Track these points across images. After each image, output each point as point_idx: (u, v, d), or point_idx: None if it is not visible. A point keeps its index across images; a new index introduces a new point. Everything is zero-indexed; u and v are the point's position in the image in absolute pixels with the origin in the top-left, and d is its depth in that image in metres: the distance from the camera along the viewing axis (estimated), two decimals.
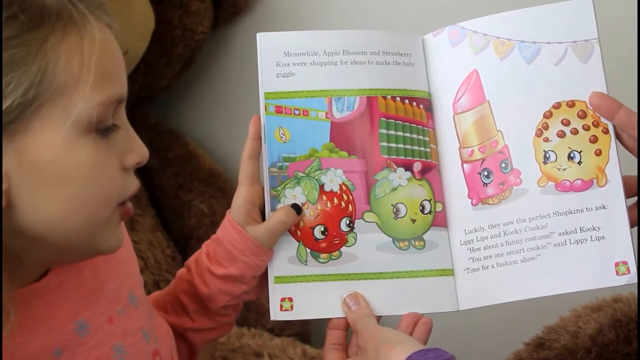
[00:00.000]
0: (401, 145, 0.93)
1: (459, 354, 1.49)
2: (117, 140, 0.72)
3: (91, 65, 0.68)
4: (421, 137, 0.93)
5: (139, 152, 0.74)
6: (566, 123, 0.89)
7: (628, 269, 0.85)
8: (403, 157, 0.92)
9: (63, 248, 0.72)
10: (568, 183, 0.88)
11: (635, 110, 0.87)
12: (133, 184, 0.75)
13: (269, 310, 0.89)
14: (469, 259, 0.91)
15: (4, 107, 0.65)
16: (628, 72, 1.29)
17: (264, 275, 0.90)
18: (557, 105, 0.89)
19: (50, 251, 0.72)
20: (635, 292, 1.09)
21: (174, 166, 1.56)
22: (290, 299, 0.89)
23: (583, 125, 0.89)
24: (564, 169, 0.88)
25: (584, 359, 1.06)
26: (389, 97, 0.93)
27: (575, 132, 0.89)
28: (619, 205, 0.86)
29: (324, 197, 0.91)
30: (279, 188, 0.90)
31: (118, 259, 0.83)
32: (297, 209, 0.89)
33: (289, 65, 0.92)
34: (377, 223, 0.91)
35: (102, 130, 0.70)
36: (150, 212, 1.50)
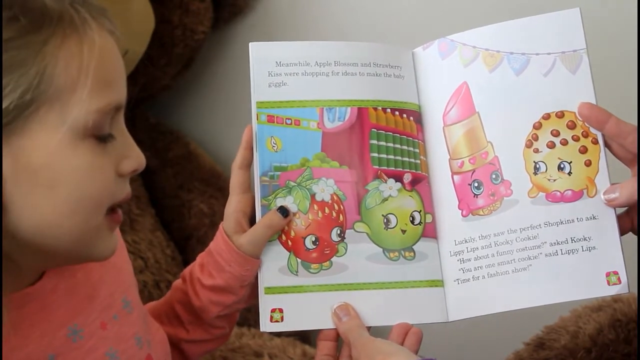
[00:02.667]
0: (391, 157, 0.93)
1: (459, 353, 1.50)
2: (114, 146, 0.72)
3: (90, 71, 0.68)
4: (411, 148, 0.94)
5: (136, 159, 0.74)
6: (556, 134, 0.89)
7: (619, 279, 0.85)
8: (393, 168, 0.92)
9: (54, 253, 0.72)
10: (559, 194, 0.88)
11: (625, 119, 0.87)
12: (124, 190, 0.74)
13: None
14: (459, 270, 0.91)
15: None
16: (628, 73, 1.29)
17: (256, 284, 0.90)
18: (547, 116, 0.89)
19: (42, 256, 0.72)
20: (635, 292, 1.09)
21: (174, 166, 1.56)
22: (281, 310, 0.88)
23: (572, 136, 0.89)
24: (554, 180, 0.88)
25: (584, 359, 1.06)
26: (380, 108, 0.93)
27: (564, 142, 0.89)
28: (609, 216, 0.87)
29: (315, 207, 0.90)
30: (270, 197, 0.90)
31: (112, 264, 0.83)
32: (283, 212, 0.89)
33: (281, 75, 0.92)
34: (367, 233, 0.91)
35: (99, 136, 0.70)
36: (150, 212, 1.50)
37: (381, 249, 0.91)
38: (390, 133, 0.93)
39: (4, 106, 0.65)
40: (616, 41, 1.30)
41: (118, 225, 0.75)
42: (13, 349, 0.70)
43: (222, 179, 1.56)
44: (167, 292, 0.97)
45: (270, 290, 0.89)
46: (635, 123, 0.86)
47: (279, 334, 1.39)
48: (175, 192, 1.55)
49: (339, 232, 0.90)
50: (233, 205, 0.90)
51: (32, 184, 0.67)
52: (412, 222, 0.92)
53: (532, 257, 0.88)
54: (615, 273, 0.85)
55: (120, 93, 0.72)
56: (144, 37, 1.42)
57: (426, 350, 1.47)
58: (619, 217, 0.87)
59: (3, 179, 0.66)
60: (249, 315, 1.44)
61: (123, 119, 0.73)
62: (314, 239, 0.90)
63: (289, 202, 0.90)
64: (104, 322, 0.79)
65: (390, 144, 0.93)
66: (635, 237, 0.89)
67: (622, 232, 0.87)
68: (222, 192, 1.55)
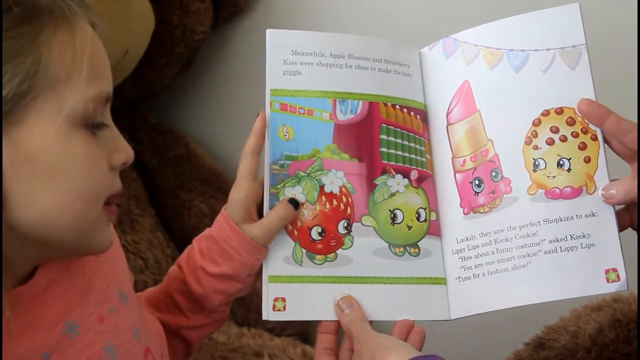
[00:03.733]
0: (400, 153, 0.93)
1: (459, 353, 1.50)
2: (104, 139, 0.72)
3: (84, 59, 0.69)
4: (418, 146, 0.94)
5: (126, 152, 0.74)
6: (555, 130, 0.89)
7: (618, 276, 0.85)
8: (401, 164, 0.92)
9: (54, 246, 0.72)
10: (558, 190, 0.88)
11: (625, 116, 0.87)
12: (118, 183, 0.75)
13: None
14: (461, 268, 0.91)
15: None
16: (628, 69, 1.29)
17: (259, 271, 0.90)
18: (546, 113, 0.89)
19: (39, 249, 0.72)
20: (635, 292, 1.09)
21: (174, 166, 1.56)
22: (284, 299, 0.88)
23: (572, 132, 0.88)
24: (554, 177, 0.88)
25: (584, 359, 1.06)
26: (389, 104, 0.93)
27: (564, 139, 0.88)
28: (608, 213, 0.86)
29: (324, 198, 0.90)
30: (279, 186, 0.89)
31: (106, 256, 0.82)
32: (294, 203, 0.89)
33: (296, 63, 0.92)
34: (374, 227, 0.91)
35: (91, 127, 0.70)
36: (150, 212, 1.50)
37: (387, 244, 0.91)
38: (399, 129, 0.93)
39: (2, 95, 0.65)
40: (616, 37, 1.29)
41: (114, 217, 0.76)
42: (5, 349, 0.70)
43: (222, 179, 1.56)
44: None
45: (273, 279, 0.88)
46: (635, 119, 0.86)
47: (279, 334, 1.39)
48: (175, 192, 1.55)
49: (345, 224, 0.90)
50: (243, 193, 0.88)
51: (32, 175, 0.68)
52: (418, 219, 0.92)
53: (531, 255, 0.87)
54: (615, 270, 0.85)
55: (109, 83, 0.73)
56: (144, 37, 1.42)
57: (426, 349, 1.47)
58: (618, 213, 0.87)
59: (3, 170, 0.67)
60: (249, 315, 1.44)
61: (109, 112, 0.74)
62: (320, 230, 0.90)
63: (297, 192, 0.90)
64: (101, 316, 0.79)
65: (399, 140, 0.93)
66: (634, 233, 0.89)
67: (621, 228, 0.87)
68: (222, 192, 1.55)
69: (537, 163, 0.89)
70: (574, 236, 0.87)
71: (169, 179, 1.55)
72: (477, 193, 0.91)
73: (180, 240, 1.52)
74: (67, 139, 0.68)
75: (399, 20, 1.47)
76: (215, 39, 1.61)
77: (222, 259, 0.89)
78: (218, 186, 1.55)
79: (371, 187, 0.91)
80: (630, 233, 0.89)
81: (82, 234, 0.72)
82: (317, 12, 1.55)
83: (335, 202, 0.90)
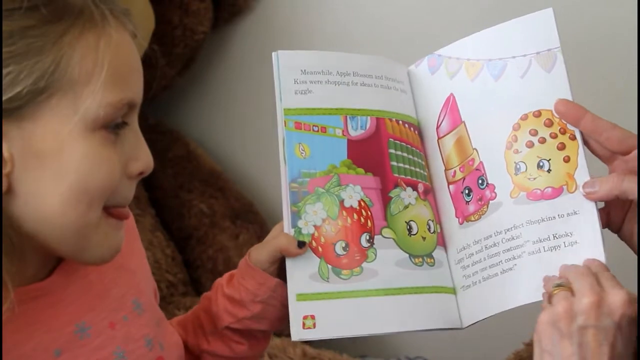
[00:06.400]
0: (407, 166, 0.94)
1: (459, 353, 1.49)
2: (124, 144, 0.73)
3: (104, 65, 0.70)
4: (420, 160, 0.95)
5: (144, 161, 0.75)
6: (534, 133, 0.89)
7: None
8: (410, 178, 0.93)
9: (56, 247, 0.72)
10: (539, 192, 0.88)
11: (602, 116, 0.87)
12: (129, 193, 0.75)
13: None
14: (463, 277, 0.91)
15: (13, 92, 0.67)
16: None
17: (269, 302, 0.90)
18: (525, 117, 0.90)
19: (46, 249, 0.73)
20: (636, 292, 1.09)
21: (174, 166, 1.56)
22: (313, 317, 0.87)
23: (550, 134, 0.89)
24: (534, 178, 0.89)
25: None
26: (394, 119, 0.94)
27: (543, 141, 0.89)
28: (590, 210, 0.86)
29: (344, 213, 0.90)
30: (299, 204, 0.90)
31: (127, 268, 0.84)
32: (301, 245, 0.88)
33: (307, 82, 0.93)
34: (394, 239, 0.91)
35: (111, 127, 0.71)
36: (150, 212, 1.51)
37: (407, 255, 0.91)
38: (404, 144, 0.94)
39: (17, 91, 0.67)
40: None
41: (124, 220, 0.76)
42: (17, 343, 0.72)
43: (222, 179, 1.56)
44: (166, 293, 0.97)
45: (302, 297, 0.87)
46: (612, 120, 0.86)
47: (279, 334, 1.39)
48: (175, 192, 1.55)
49: (367, 237, 0.90)
50: (274, 233, 0.91)
51: (40, 170, 0.69)
52: (429, 230, 0.93)
53: (516, 257, 0.88)
54: None
55: (134, 91, 0.73)
56: (144, 37, 1.41)
57: (427, 349, 1.47)
58: (600, 212, 0.87)
59: (14, 162, 0.68)
60: None
61: (137, 119, 0.74)
62: (344, 244, 0.90)
63: (318, 208, 0.90)
64: (113, 322, 0.80)
65: (405, 154, 0.94)
66: (613, 232, 0.89)
67: (603, 226, 0.87)
68: (222, 192, 1.55)
69: (518, 166, 0.89)
70: (557, 235, 0.87)
71: (169, 179, 1.56)
72: (467, 202, 0.92)
73: (180, 240, 1.52)
74: (79, 139, 0.69)
75: (396, 23, 1.47)
76: (215, 39, 1.61)
77: (237, 282, 0.90)
78: (218, 186, 1.55)
79: (387, 200, 0.92)
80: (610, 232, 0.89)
81: (81, 240, 0.72)
82: (315, 13, 1.55)
83: (355, 216, 0.91)
